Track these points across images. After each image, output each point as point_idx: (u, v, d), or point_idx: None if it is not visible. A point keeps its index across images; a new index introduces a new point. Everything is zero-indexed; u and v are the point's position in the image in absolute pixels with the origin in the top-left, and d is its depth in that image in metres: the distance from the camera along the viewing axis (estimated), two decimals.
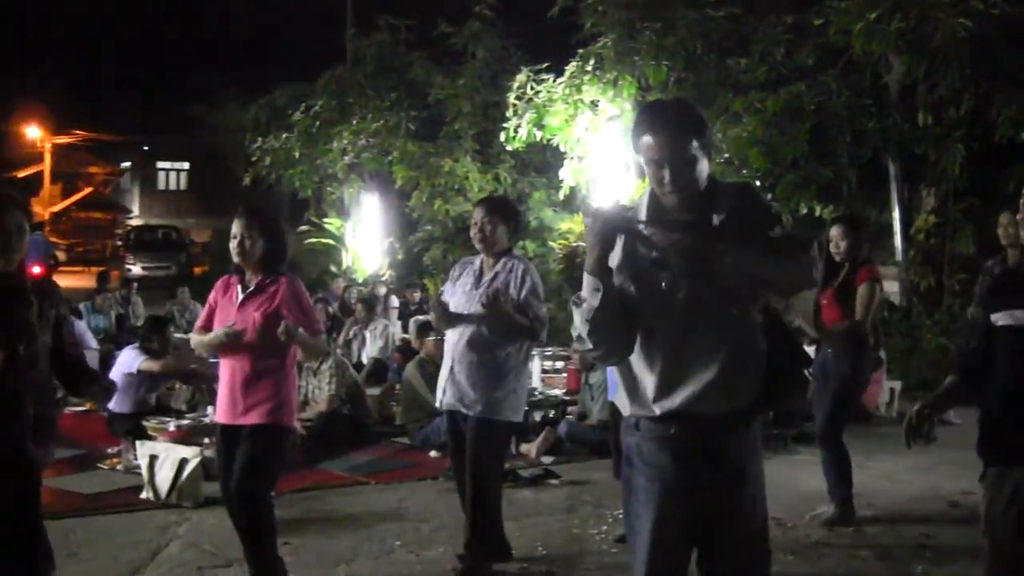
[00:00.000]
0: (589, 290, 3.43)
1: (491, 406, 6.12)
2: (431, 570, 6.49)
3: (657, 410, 3.51)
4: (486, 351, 6.12)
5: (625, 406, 3.64)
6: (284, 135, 23.32)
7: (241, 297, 5.76)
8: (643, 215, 3.53)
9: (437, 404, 6.49)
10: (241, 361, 5.72)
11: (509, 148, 18.07)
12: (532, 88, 17.16)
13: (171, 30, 48.09)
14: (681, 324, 3.46)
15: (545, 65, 17.42)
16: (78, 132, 50.24)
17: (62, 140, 51.14)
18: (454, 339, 6.24)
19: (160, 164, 52.13)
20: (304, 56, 27.76)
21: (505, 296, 6.05)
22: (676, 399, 3.49)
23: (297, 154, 23.15)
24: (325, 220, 24.92)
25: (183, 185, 52.15)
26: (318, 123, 22.74)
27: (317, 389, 10.38)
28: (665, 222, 3.49)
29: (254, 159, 23.98)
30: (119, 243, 41.34)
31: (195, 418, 9.75)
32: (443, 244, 21.60)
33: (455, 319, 6.21)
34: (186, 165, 51.53)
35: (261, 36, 37.69)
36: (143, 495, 7.96)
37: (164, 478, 7.80)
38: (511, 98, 17.44)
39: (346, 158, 22.41)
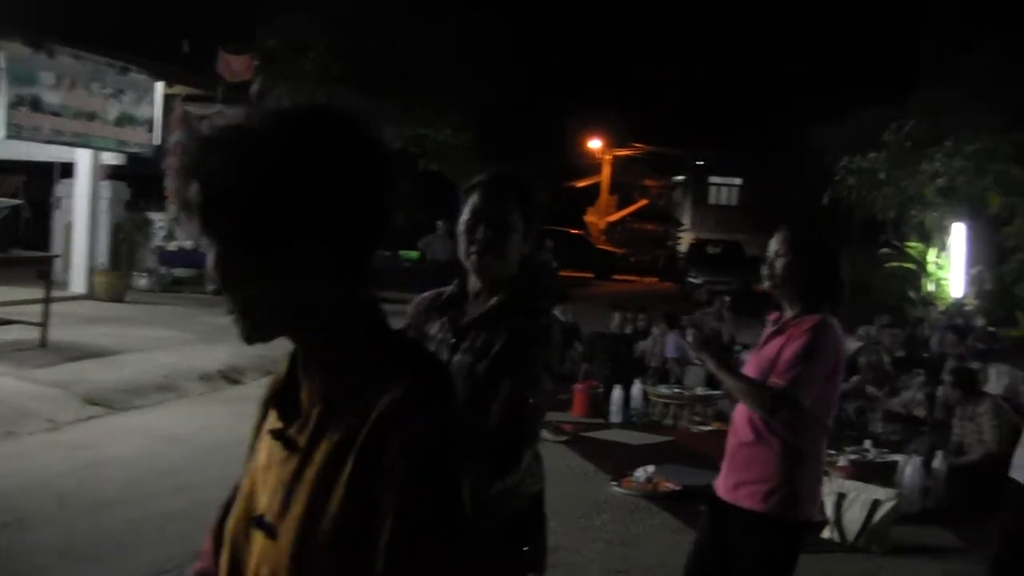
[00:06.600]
0: None
1: None
2: None
3: None
4: None
5: None
6: (871, 155, 22.76)
7: (766, 334, 4.45)
8: None
9: None
10: (743, 417, 4.37)
11: None
12: None
13: (726, 49, 48.88)
14: None
15: None
16: (637, 145, 52.44)
17: (621, 153, 53.60)
18: None
19: (712, 179, 53.08)
20: (875, 76, 27.20)
21: None
22: None
23: (883, 175, 22.53)
24: (907, 244, 23.98)
25: (734, 200, 52.74)
26: (909, 143, 21.99)
27: (975, 434, 9.67)
28: None
29: (836, 178, 23.54)
30: (680, 257, 42.07)
31: (865, 452, 9.33)
32: None
33: None
34: (738, 181, 52.18)
35: (826, 57, 37.67)
36: (825, 534, 7.74)
37: (853, 519, 7.56)
38: None
39: (939, 181, 21.47)
